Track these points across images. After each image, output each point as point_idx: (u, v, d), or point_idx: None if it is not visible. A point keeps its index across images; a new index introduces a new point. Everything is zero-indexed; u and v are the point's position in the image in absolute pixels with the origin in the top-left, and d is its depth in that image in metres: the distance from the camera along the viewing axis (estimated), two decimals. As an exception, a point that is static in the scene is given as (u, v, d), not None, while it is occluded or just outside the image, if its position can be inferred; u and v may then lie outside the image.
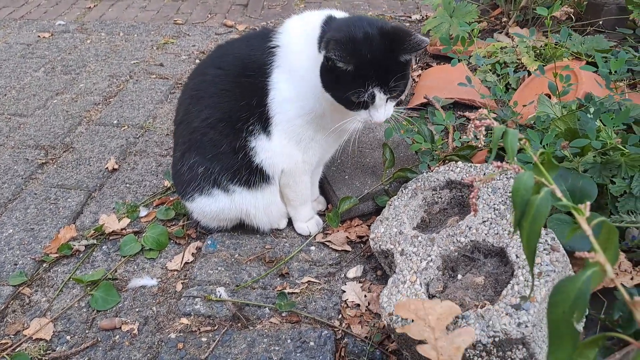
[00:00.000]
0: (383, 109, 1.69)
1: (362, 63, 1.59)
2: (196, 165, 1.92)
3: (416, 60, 3.35)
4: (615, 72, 1.85)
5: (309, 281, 1.89)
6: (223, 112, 1.86)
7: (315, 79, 1.70)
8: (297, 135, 1.86)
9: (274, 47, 1.80)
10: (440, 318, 1.27)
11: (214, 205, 1.98)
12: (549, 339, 0.77)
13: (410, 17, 4.33)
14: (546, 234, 1.47)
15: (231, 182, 1.93)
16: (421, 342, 1.25)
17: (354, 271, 1.92)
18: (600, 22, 2.84)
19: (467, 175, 1.79)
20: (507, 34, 3.15)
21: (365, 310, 1.78)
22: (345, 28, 1.64)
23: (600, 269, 0.78)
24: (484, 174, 1.75)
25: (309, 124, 1.84)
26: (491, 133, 2.13)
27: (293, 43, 1.79)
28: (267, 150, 1.88)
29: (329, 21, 1.74)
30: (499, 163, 0.99)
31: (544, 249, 1.42)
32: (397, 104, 1.78)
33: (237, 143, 1.87)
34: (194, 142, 1.90)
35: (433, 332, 1.25)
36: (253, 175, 1.92)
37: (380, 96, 1.65)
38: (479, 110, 1.08)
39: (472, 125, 1.09)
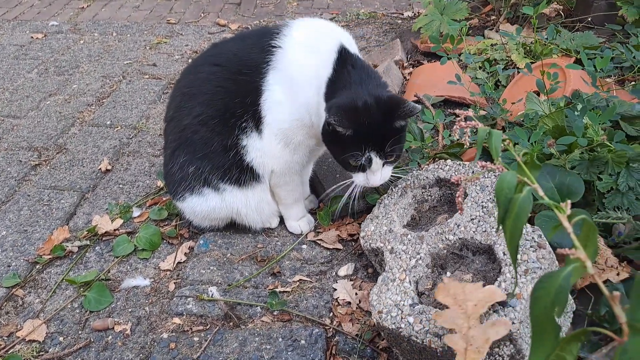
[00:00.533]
0: (379, 173, 1.76)
1: (360, 129, 1.66)
2: (187, 164, 1.93)
3: (407, 58, 3.36)
4: (602, 69, 1.87)
5: (300, 280, 1.90)
6: (216, 109, 1.87)
7: (309, 92, 1.77)
8: (286, 137, 1.87)
9: (274, 47, 1.81)
10: (478, 304, 1.27)
11: (204, 205, 1.99)
12: (532, 334, 0.79)
13: (402, 14, 4.34)
14: (533, 231, 1.48)
15: (222, 181, 1.94)
16: (450, 331, 1.26)
17: (345, 269, 1.93)
18: (590, 19, 2.85)
19: (457, 173, 1.80)
20: (497, 31, 3.16)
21: (356, 308, 1.80)
22: (346, 94, 1.70)
23: (581, 265, 0.80)
24: (473, 172, 1.76)
25: (298, 129, 1.86)
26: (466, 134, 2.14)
27: (296, 51, 1.80)
28: (257, 149, 1.90)
29: (342, 57, 1.77)
30: (484, 163, 1.01)
31: (531, 246, 1.44)
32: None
33: (229, 141, 1.88)
34: (184, 139, 1.91)
35: (467, 320, 1.25)
36: (244, 174, 1.94)
37: (376, 160, 1.71)
38: (466, 111, 1.10)
39: (458, 126, 1.11)
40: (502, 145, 1.03)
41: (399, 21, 4.20)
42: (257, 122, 1.86)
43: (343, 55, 1.77)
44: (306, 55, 1.80)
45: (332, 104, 1.68)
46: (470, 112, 1.09)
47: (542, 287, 0.78)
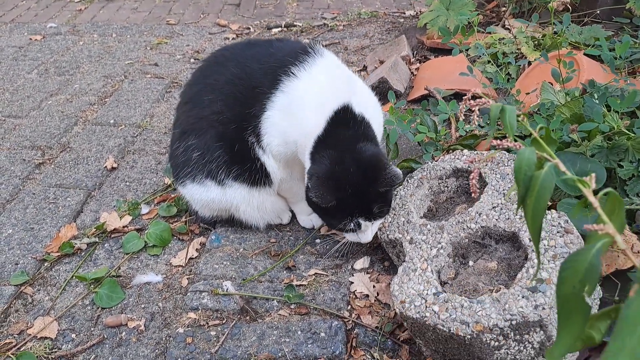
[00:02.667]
0: (370, 230, 1.77)
1: (343, 200, 1.68)
2: (193, 149, 1.89)
3: (414, 54, 3.34)
4: (620, 57, 1.85)
5: (315, 273, 1.87)
6: (235, 114, 1.83)
7: (301, 138, 1.76)
8: (283, 158, 1.87)
9: (288, 71, 1.76)
10: None
11: (204, 195, 1.95)
12: (559, 315, 0.75)
13: (404, 13, 4.32)
14: (559, 217, 1.46)
15: (229, 178, 1.90)
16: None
17: (360, 262, 1.90)
18: (598, 12, 2.84)
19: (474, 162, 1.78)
20: (503, 26, 3.15)
21: (375, 300, 1.77)
22: (326, 161, 1.69)
23: (610, 240, 0.77)
24: (491, 162, 1.74)
25: (292, 156, 1.85)
26: (480, 125, 2.12)
27: (306, 89, 1.76)
28: (266, 161, 1.88)
29: (338, 116, 1.73)
30: (498, 141, 0.97)
31: (558, 232, 1.41)
32: None
33: (244, 146, 1.85)
34: (198, 128, 1.87)
35: None
36: (257, 175, 1.91)
37: (365, 223, 1.73)
38: (472, 90, 1.06)
39: (462, 105, 1.07)
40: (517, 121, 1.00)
41: (401, 20, 4.19)
42: (258, 138, 1.83)
43: (341, 114, 1.72)
44: (312, 92, 1.76)
45: (312, 172, 1.69)
46: (477, 90, 1.06)
47: (570, 266, 0.75)
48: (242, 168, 1.88)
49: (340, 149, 1.69)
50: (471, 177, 0.92)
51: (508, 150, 1.89)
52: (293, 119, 1.76)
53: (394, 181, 1.66)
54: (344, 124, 1.72)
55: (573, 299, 0.73)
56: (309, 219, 2.09)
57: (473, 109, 0.99)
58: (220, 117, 1.84)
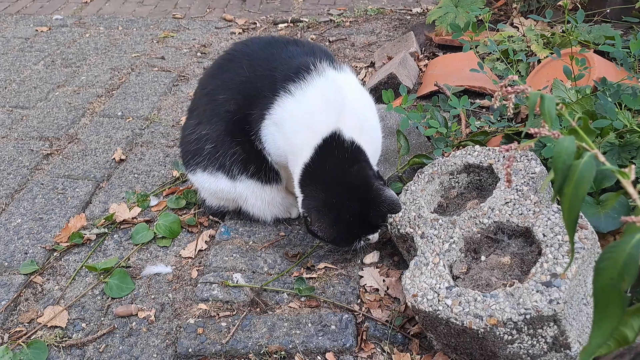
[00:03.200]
0: (377, 235, 1.83)
1: (346, 228, 1.74)
2: (207, 140, 1.90)
3: (422, 50, 3.34)
4: (633, 55, 1.85)
5: (325, 267, 1.87)
6: (245, 115, 1.83)
7: (293, 147, 1.77)
8: (282, 164, 1.89)
9: (286, 87, 1.75)
10: None
11: (214, 185, 1.96)
12: (595, 307, 0.75)
13: (411, 10, 4.32)
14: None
15: (241, 173, 1.91)
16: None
17: (370, 257, 1.90)
18: (608, 11, 2.84)
19: (486, 158, 1.78)
20: (511, 24, 3.15)
21: (385, 294, 1.77)
22: (320, 195, 1.71)
23: None
24: (503, 157, 1.74)
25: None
26: (490, 121, 2.12)
27: (298, 109, 1.75)
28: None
29: (327, 144, 1.71)
30: (536, 130, 0.97)
31: (572, 227, 1.41)
32: None
33: (256, 147, 1.86)
34: (214, 122, 1.87)
35: None
36: (268, 173, 1.93)
37: (373, 236, 1.80)
38: (509, 77, 1.06)
39: (498, 95, 1.06)
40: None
41: (408, 17, 4.19)
42: (260, 142, 1.84)
43: (329, 142, 1.70)
44: (299, 125, 1.75)
45: (309, 207, 1.72)
46: (514, 77, 1.05)
47: (608, 258, 0.75)
48: (257, 167, 1.90)
49: (330, 178, 1.70)
50: (506, 165, 0.92)
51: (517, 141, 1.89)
52: (284, 135, 1.77)
53: (393, 207, 1.67)
54: (333, 151, 1.70)
55: (611, 291, 0.73)
56: None
57: (510, 95, 0.98)
58: (234, 117, 1.85)
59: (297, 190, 1.77)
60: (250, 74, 1.83)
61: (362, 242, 1.77)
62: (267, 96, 1.77)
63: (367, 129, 1.80)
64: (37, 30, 4.16)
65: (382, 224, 1.76)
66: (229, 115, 1.85)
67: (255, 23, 4.31)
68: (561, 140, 0.86)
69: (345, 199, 1.68)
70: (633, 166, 0.85)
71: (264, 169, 1.91)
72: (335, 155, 1.69)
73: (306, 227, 1.79)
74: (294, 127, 1.74)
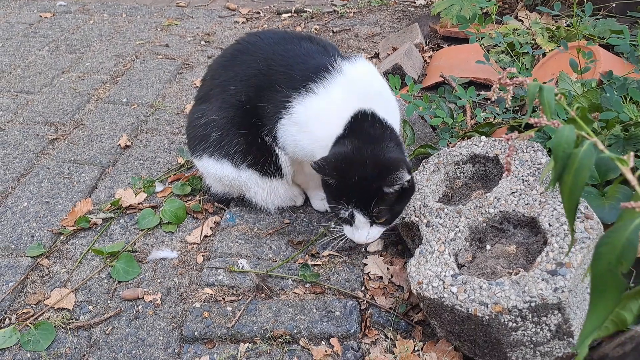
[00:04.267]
0: (365, 231, 1.71)
1: (344, 182, 1.64)
2: (213, 126, 1.91)
3: (426, 42, 3.35)
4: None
5: (330, 254, 1.89)
6: (255, 108, 1.84)
7: (316, 144, 1.77)
8: (298, 159, 1.90)
9: (308, 87, 1.76)
10: None
11: (220, 171, 1.97)
12: (592, 292, 0.76)
13: (415, 2, 4.33)
14: (579, 203, 1.48)
15: (244, 164, 1.92)
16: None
17: (374, 245, 1.92)
18: (613, 5, 2.85)
19: (492, 149, 1.79)
20: (516, 17, 3.16)
21: (388, 282, 1.79)
22: (347, 146, 1.67)
23: None
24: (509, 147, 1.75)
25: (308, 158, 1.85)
26: (495, 112, 2.14)
27: (323, 107, 1.75)
28: (282, 158, 1.91)
29: (356, 120, 1.71)
30: (536, 119, 0.98)
31: (578, 217, 1.43)
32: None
33: (259, 138, 1.87)
34: (221, 111, 1.88)
35: None
36: (270, 168, 1.94)
37: (360, 218, 1.67)
38: (507, 69, 1.07)
39: (496, 86, 1.07)
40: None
41: (412, 9, 4.19)
42: (274, 138, 1.85)
43: (361, 117, 1.71)
44: (325, 118, 1.75)
45: (330, 153, 1.69)
46: (513, 68, 1.06)
47: (607, 242, 0.75)
48: (255, 159, 1.91)
49: (363, 141, 1.67)
50: (506, 154, 0.93)
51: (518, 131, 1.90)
52: (309, 134, 1.77)
53: (398, 181, 1.61)
54: (367, 124, 1.70)
55: (608, 275, 0.74)
56: (321, 203, 2.10)
57: (508, 87, 1.00)
58: (243, 107, 1.85)
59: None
60: (264, 68, 1.84)
61: (347, 213, 1.67)
62: (282, 92, 1.77)
63: (387, 104, 1.80)
64: (40, 16, 4.16)
65: (378, 212, 1.66)
66: (239, 104, 1.86)
67: (259, 12, 4.31)
68: (561, 129, 0.87)
69: (364, 160, 1.63)
70: (632, 153, 0.86)
71: (262, 162, 1.92)
72: (370, 127, 1.70)
73: (315, 164, 1.67)
74: (320, 123, 1.75)
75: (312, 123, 1.75)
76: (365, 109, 1.71)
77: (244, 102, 1.85)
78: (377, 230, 1.72)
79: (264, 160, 1.90)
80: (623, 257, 0.73)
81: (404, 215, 1.77)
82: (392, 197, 1.65)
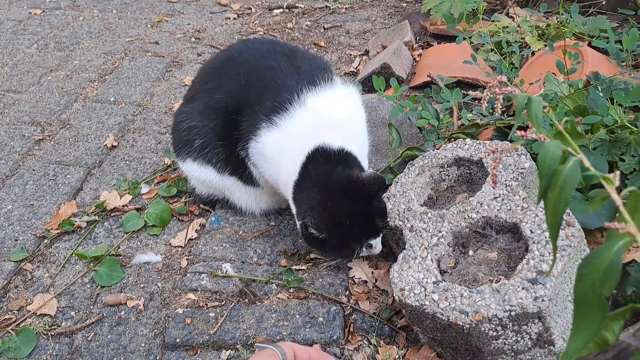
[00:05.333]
0: (379, 244, 1.73)
1: (347, 226, 1.63)
2: (196, 133, 1.89)
3: (416, 40, 3.33)
4: (626, 50, 1.85)
5: (315, 258, 1.88)
6: (235, 121, 1.83)
7: (281, 174, 1.77)
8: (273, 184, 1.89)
9: (271, 117, 1.73)
10: None
11: (204, 174, 1.95)
12: (575, 312, 0.75)
13: (407, -2, 4.30)
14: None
15: (225, 172, 1.92)
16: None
17: (360, 249, 1.91)
18: (604, 2, 2.83)
19: (476, 152, 1.78)
20: (507, 14, 3.14)
21: (373, 287, 1.78)
22: (317, 198, 1.65)
23: (631, 239, 0.77)
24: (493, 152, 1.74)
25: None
26: (482, 113, 2.12)
27: (281, 140, 1.72)
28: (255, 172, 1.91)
29: (311, 159, 1.69)
30: (522, 132, 0.97)
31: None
32: None
33: (237, 149, 1.87)
34: (206, 118, 1.86)
35: None
36: (249, 178, 1.93)
37: (375, 241, 1.70)
38: (498, 77, 1.06)
39: (486, 95, 1.06)
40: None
41: (404, 4, 4.16)
42: (247, 153, 1.84)
43: (315, 155, 1.69)
44: (284, 153, 1.73)
45: (304, 211, 1.66)
46: (503, 77, 1.05)
47: (591, 264, 0.75)
48: (235, 169, 1.91)
49: (321, 183, 1.66)
50: (492, 167, 0.92)
51: (510, 140, 1.89)
52: (272, 166, 1.78)
53: (376, 181, 1.61)
54: (319, 160, 1.68)
55: (592, 296, 0.73)
56: None
57: (498, 97, 0.98)
58: (224, 119, 1.84)
59: (292, 205, 1.76)
60: (246, 82, 1.82)
61: (364, 249, 1.69)
62: (256, 114, 1.75)
63: (351, 134, 1.78)
64: (30, 12, 4.13)
65: (383, 224, 1.68)
66: (221, 113, 1.84)
67: (251, 8, 4.28)
68: (547, 144, 0.85)
69: (339, 198, 1.63)
70: (618, 172, 0.85)
71: (241, 173, 1.91)
72: (322, 163, 1.67)
73: (303, 235, 1.71)
74: (281, 157, 1.74)
75: (274, 156, 1.75)
76: (319, 144, 1.69)
77: (228, 112, 1.83)
78: (381, 240, 1.75)
79: (242, 171, 1.90)
80: (606, 278, 0.73)
81: (388, 220, 1.75)
82: (382, 206, 1.69)
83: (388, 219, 1.71)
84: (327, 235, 1.64)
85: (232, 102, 1.82)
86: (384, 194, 1.82)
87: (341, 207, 1.62)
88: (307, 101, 1.73)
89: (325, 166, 1.67)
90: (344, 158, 1.70)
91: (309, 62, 1.88)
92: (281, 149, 1.73)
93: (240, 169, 1.89)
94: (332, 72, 1.87)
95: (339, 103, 1.80)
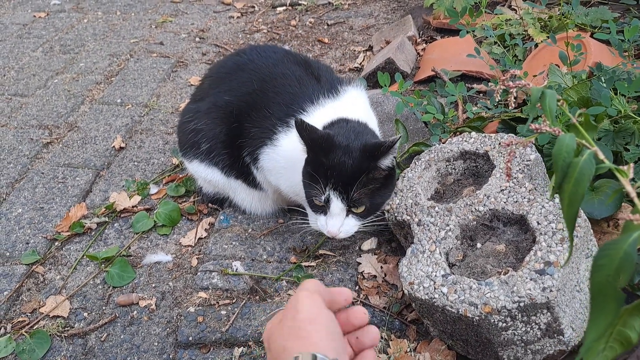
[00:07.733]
0: (340, 220, 1.61)
1: (326, 159, 1.56)
2: (203, 137, 1.91)
3: (419, 34, 3.33)
4: (628, 40, 1.86)
5: (324, 254, 1.89)
6: (242, 127, 1.84)
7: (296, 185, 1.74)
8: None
9: (285, 125, 1.75)
10: None
11: (210, 175, 1.98)
12: (591, 304, 0.76)
13: (409, -8, 4.30)
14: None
15: (230, 175, 1.96)
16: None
17: (368, 243, 1.92)
18: (605, -7, 2.83)
19: (482, 145, 1.79)
20: (509, 7, 3.14)
21: (382, 281, 1.79)
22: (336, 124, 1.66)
23: None
24: (499, 144, 1.75)
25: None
26: (487, 106, 2.13)
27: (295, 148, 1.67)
28: (259, 177, 1.93)
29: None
30: (537, 125, 0.98)
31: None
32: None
33: (241, 160, 1.90)
34: (212, 122, 1.89)
35: None
36: (251, 181, 1.96)
37: (336, 204, 1.58)
38: (510, 70, 1.07)
39: (499, 88, 1.07)
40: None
41: (407, -1, 4.17)
42: (254, 159, 1.86)
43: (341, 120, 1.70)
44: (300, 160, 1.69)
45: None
46: (516, 71, 1.06)
47: (606, 255, 0.75)
48: (240, 174, 1.94)
49: (344, 129, 1.65)
50: (507, 160, 0.93)
51: (516, 133, 1.90)
52: (286, 168, 1.77)
53: (390, 148, 1.53)
54: (341, 122, 1.70)
55: (607, 287, 0.74)
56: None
57: (512, 90, 0.99)
58: (231, 126, 1.86)
59: (308, 209, 1.78)
60: (258, 87, 1.84)
61: (323, 196, 1.57)
62: (270, 119, 1.76)
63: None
64: (35, 16, 4.16)
65: (358, 198, 1.57)
66: (225, 121, 1.87)
67: (254, 7, 4.30)
68: (561, 137, 0.86)
69: (345, 136, 1.59)
70: (632, 164, 0.86)
71: (245, 177, 1.95)
72: (345, 124, 1.68)
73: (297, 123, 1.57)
74: (294, 165, 1.71)
75: (293, 159, 1.70)
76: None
77: (232, 119, 1.85)
78: (353, 224, 1.64)
79: (246, 177, 1.93)
80: (621, 270, 0.73)
81: (396, 214, 1.77)
82: (376, 181, 1.60)
83: (365, 202, 1.60)
84: (308, 150, 1.59)
85: (242, 106, 1.84)
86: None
87: (343, 147, 1.56)
88: (326, 105, 1.76)
89: (349, 124, 1.69)
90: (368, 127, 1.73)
91: (325, 71, 1.91)
92: (300, 150, 1.66)
93: (244, 174, 1.92)
94: (344, 80, 1.91)
95: (356, 102, 1.83)
